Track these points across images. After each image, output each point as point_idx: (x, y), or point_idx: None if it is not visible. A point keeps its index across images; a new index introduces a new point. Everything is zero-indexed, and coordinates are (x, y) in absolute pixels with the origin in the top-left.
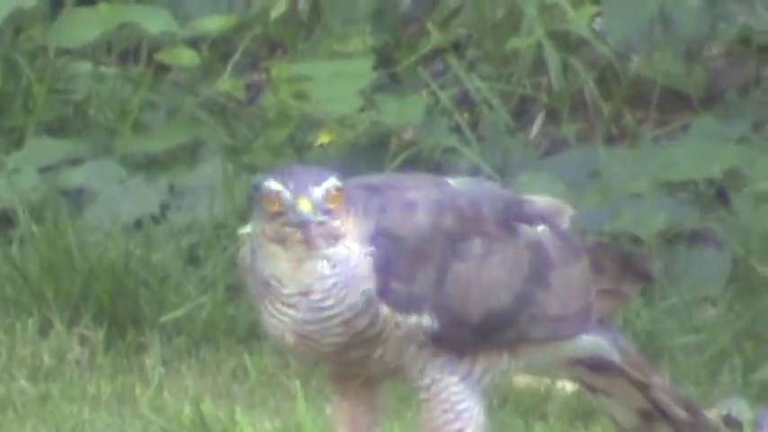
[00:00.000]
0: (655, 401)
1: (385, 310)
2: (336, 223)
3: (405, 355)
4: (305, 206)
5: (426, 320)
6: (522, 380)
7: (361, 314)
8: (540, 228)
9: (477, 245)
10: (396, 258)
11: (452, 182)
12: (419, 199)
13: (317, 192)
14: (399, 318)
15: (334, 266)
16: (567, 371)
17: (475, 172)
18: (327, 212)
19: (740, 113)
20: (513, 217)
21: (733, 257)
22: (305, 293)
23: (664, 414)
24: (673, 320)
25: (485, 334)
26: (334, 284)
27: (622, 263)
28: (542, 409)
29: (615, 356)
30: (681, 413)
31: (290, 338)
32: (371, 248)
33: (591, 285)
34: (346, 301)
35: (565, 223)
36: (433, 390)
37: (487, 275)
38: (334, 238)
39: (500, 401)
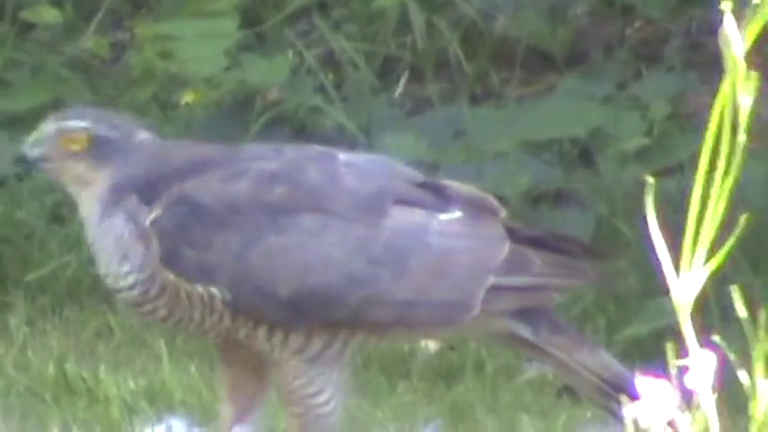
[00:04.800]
0: (589, 382)
1: (170, 276)
2: (69, 165)
3: (223, 324)
4: (29, 140)
5: (216, 291)
6: None
7: (127, 277)
8: (448, 216)
9: (306, 220)
10: (191, 225)
11: (343, 156)
12: (252, 169)
13: (49, 128)
14: (187, 286)
15: (89, 227)
16: (500, 342)
17: (339, 132)
18: (59, 152)
19: (605, 73)
20: (394, 198)
21: (597, 217)
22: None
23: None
24: None
25: (301, 311)
26: (93, 245)
27: (556, 263)
28: (406, 367)
29: (526, 333)
30: (615, 393)
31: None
32: (159, 213)
33: (482, 279)
34: (108, 264)
35: (499, 212)
36: (276, 357)
37: (310, 252)
38: (81, 182)
39: (364, 360)
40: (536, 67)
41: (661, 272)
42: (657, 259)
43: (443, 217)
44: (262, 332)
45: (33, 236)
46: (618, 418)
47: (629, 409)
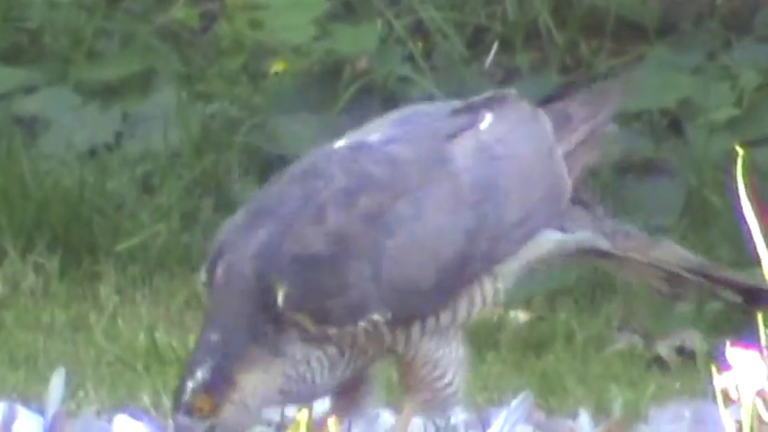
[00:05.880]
0: (668, 273)
1: (333, 331)
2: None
3: (384, 343)
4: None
5: (377, 316)
6: None
7: None
8: (485, 123)
9: (403, 208)
10: (318, 279)
11: (372, 138)
12: (325, 200)
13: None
14: (350, 329)
15: None
16: (573, 260)
17: (429, 101)
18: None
19: (695, 44)
20: (443, 139)
21: (687, 188)
22: None
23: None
24: None
25: (446, 285)
26: None
27: (590, 101)
28: (494, 338)
29: (604, 244)
30: (697, 278)
31: None
32: (284, 291)
33: (555, 152)
34: None
35: (512, 96)
36: (410, 350)
37: (428, 232)
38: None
39: None
40: (626, 38)
41: (751, 242)
42: (748, 230)
43: (483, 126)
44: (416, 328)
45: (124, 206)
46: (684, 299)
47: (719, 380)
